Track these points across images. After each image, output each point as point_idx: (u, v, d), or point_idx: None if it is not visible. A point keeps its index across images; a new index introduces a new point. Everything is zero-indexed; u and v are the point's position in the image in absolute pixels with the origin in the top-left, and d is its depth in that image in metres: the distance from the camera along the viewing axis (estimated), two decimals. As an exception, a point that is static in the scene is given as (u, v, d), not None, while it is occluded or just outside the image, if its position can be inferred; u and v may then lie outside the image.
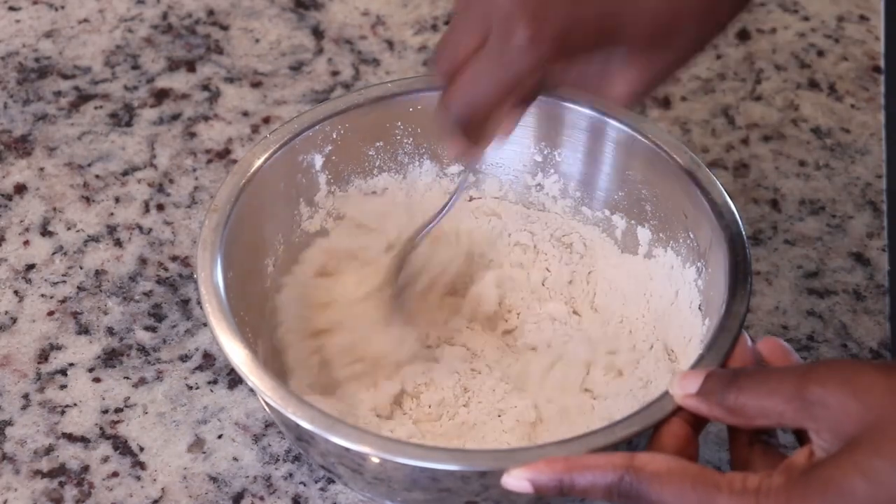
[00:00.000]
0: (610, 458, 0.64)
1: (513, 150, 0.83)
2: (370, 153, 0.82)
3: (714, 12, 0.69)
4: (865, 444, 0.59)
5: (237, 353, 0.70)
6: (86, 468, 0.79)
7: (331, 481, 0.78)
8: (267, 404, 0.71)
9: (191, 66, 1.00)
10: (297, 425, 0.68)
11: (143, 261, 0.89)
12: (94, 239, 0.90)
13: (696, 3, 0.68)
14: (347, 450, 0.67)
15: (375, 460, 0.67)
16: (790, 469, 0.61)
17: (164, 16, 1.04)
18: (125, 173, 0.94)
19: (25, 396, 0.82)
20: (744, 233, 0.74)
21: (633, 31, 0.68)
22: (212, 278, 0.73)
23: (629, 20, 0.67)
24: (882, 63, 1.02)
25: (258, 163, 0.78)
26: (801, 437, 0.65)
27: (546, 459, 0.65)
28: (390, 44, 1.02)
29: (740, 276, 0.73)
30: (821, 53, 1.02)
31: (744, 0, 0.70)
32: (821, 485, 0.59)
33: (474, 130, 0.71)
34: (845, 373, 0.61)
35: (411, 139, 0.83)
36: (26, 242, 0.90)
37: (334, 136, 0.81)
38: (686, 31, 0.69)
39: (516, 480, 0.65)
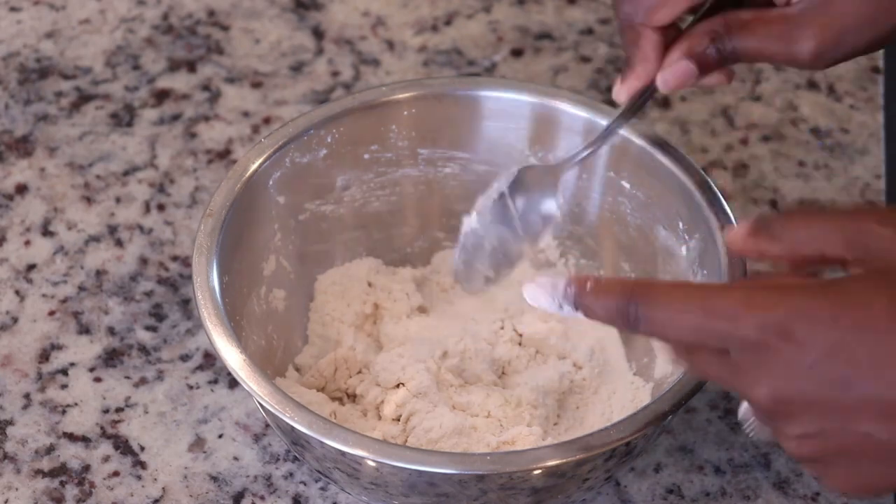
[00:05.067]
0: (622, 279, 0.64)
1: (507, 152, 0.83)
2: (365, 157, 0.83)
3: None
4: None
5: (234, 357, 0.71)
6: (87, 468, 0.79)
7: (331, 481, 0.79)
8: (263, 408, 0.71)
9: (191, 67, 1.00)
10: (293, 429, 0.68)
11: (143, 261, 0.89)
12: (95, 239, 0.90)
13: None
14: (343, 454, 0.67)
15: (371, 464, 0.67)
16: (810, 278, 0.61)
17: (165, 16, 1.04)
18: (126, 173, 0.94)
19: (26, 396, 0.82)
20: None
21: None
22: (208, 283, 0.73)
23: None
24: (881, 63, 1.02)
25: (253, 167, 0.78)
26: None
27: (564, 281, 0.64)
28: (390, 44, 1.02)
29: (737, 278, 0.73)
30: (820, 54, 1.02)
31: None
32: (840, 289, 0.59)
33: None
34: None
35: (406, 142, 0.83)
36: (27, 242, 0.90)
37: (329, 140, 0.81)
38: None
39: (532, 291, 0.65)
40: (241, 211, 0.77)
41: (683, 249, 0.78)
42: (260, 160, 0.79)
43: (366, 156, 0.83)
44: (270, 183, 0.79)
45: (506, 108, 0.82)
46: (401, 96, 0.82)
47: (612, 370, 0.81)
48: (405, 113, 0.82)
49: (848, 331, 0.58)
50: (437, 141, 0.83)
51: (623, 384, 0.80)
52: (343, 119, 0.81)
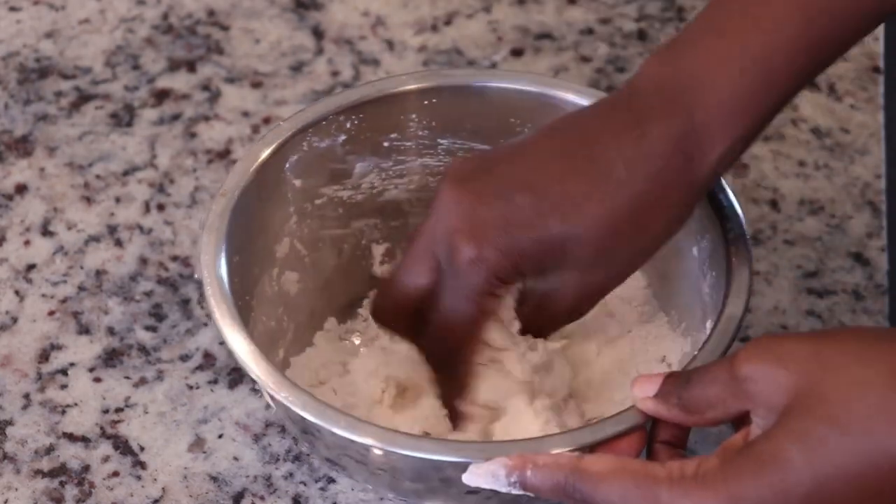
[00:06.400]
0: (557, 460, 0.64)
1: None
2: (384, 144, 0.82)
3: (647, 228, 0.70)
4: (796, 411, 0.59)
5: (240, 345, 0.70)
6: (86, 468, 0.79)
7: (331, 481, 0.79)
8: (271, 397, 0.71)
9: (191, 67, 1.00)
10: (303, 418, 0.68)
11: (143, 261, 0.89)
12: (95, 239, 0.90)
13: (629, 221, 0.69)
14: (352, 441, 0.68)
15: (378, 452, 0.68)
16: (726, 450, 0.61)
17: (165, 16, 1.04)
18: (126, 173, 0.94)
19: (26, 396, 0.82)
20: (748, 237, 0.74)
21: (576, 254, 0.70)
22: (215, 262, 0.73)
23: (570, 245, 0.69)
24: (881, 63, 1.02)
25: (269, 150, 0.78)
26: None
27: (507, 456, 0.65)
28: (390, 44, 1.02)
29: (740, 281, 0.73)
30: (820, 54, 1.02)
31: (684, 214, 0.71)
32: (756, 458, 0.59)
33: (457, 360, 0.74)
34: (770, 345, 0.61)
35: (426, 132, 0.83)
36: (27, 242, 0.90)
37: (348, 127, 0.81)
38: (622, 251, 0.71)
39: (475, 477, 0.66)
40: (254, 192, 0.77)
41: (695, 250, 0.78)
42: (277, 143, 0.79)
43: (385, 143, 0.82)
44: (287, 166, 0.79)
45: (527, 103, 0.82)
46: (421, 86, 0.82)
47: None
48: (425, 103, 0.82)
49: (785, 498, 0.59)
50: (457, 132, 0.83)
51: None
52: (363, 106, 0.81)
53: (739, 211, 0.76)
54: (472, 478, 0.66)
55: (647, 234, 0.70)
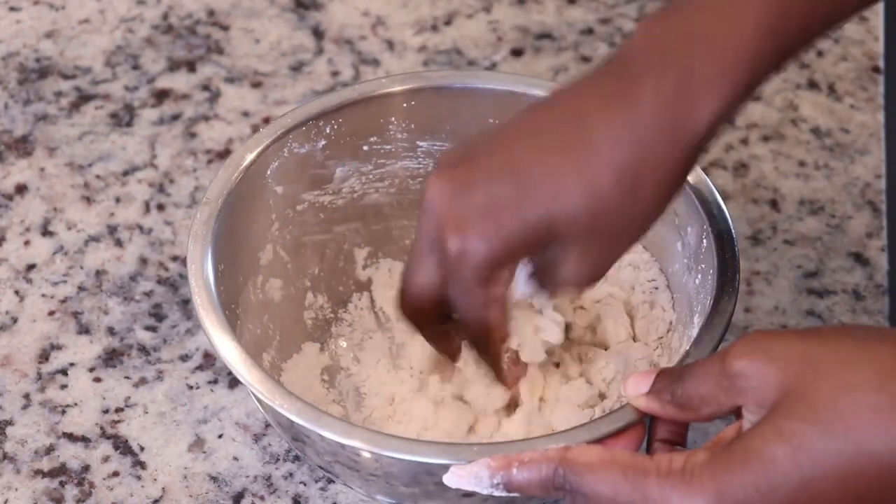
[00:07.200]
0: (544, 453, 0.64)
1: None
2: (364, 148, 0.83)
3: (637, 194, 0.67)
4: (783, 409, 0.59)
5: (226, 345, 0.71)
6: (86, 468, 0.79)
7: (331, 481, 0.79)
8: (259, 401, 0.71)
9: (191, 67, 1.00)
10: (292, 423, 0.68)
11: (143, 261, 0.89)
12: (95, 239, 0.90)
13: (615, 190, 0.66)
14: (343, 446, 0.67)
15: (367, 455, 0.68)
16: (716, 444, 0.62)
17: (165, 16, 1.04)
18: (126, 173, 0.94)
19: (26, 396, 0.82)
20: (733, 230, 0.75)
21: (566, 230, 0.67)
22: (202, 271, 0.73)
23: (557, 223, 0.67)
24: (881, 63, 1.02)
25: (251, 157, 0.78)
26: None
27: (490, 457, 0.65)
28: (390, 44, 1.02)
29: (728, 274, 0.73)
30: (820, 54, 1.02)
31: (677, 176, 0.68)
32: (742, 455, 0.59)
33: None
34: (762, 343, 0.61)
35: (405, 134, 0.83)
36: (27, 242, 0.90)
37: (328, 131, 0.81)
38: (615, 221, 0.68)
39: (457, 479, 0.65)
40: (237, 200, 0.77)
41: (679, 245, 0.78)
42: (258, 150, 0.79)
43: (365, 147, 0.83)
44: (268, 173, 0.79)
45: (504, 102, 0.82)
46: (400, 88, 0.82)
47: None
48: (404, 105, 0.82)
49: (770, 496, 0.59)
50: (436, 133, 0.83)
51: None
52: (342, 110, 0.81)
53: (723, 205, 0.76)
54: (453, 479, 0.65)
55: (640, 201, 0.67)
